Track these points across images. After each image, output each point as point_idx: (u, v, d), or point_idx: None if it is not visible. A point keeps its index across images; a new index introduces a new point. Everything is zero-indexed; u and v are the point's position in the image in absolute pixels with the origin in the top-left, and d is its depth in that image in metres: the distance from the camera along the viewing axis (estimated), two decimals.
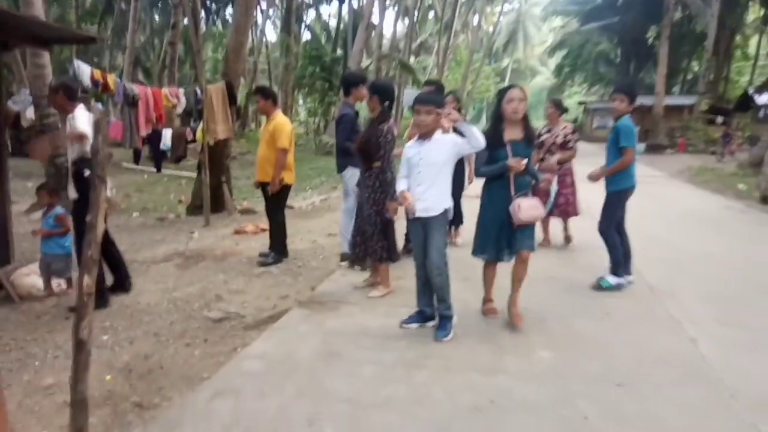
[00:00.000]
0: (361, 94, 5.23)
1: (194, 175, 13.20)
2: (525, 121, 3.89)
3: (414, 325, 3.93)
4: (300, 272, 5.60)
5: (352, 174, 5.22)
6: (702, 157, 21.35)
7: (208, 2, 27.54)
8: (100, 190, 2.55)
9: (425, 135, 3.79)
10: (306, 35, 34.98)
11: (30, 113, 14.38)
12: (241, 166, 16.68)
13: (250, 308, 4.56)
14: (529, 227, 3.91)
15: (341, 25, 32.73)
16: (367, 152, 4.50)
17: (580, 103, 43.60)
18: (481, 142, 3.56)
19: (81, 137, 4.22)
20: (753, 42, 36.85)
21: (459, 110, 5.88)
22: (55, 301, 4.83)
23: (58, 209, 5.03)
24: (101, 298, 4.61)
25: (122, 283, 5.00)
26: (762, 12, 33.86)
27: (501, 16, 46.21)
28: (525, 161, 3.75)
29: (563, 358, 3.43)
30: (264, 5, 31.67)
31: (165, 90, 7.41)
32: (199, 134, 8.19)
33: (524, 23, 55.18)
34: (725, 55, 34.12)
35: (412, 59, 37.60)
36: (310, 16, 40.03)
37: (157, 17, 34.90)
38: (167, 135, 12.02)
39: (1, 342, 3.99)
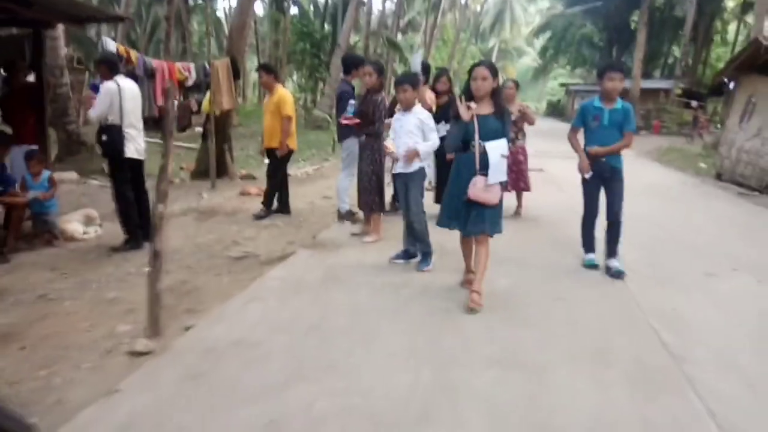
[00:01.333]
0: (360, 73, 6.06)
1: (191, 145, 13.93)
2: (495, 97, 3.99)
3: (401, 261, 4.87)
4: (301, 225, 6.51)
5: (353, 142, 6.06)
6: (674, 139, 22.47)
7: None
8: (170, 143, 3.42)
9: (407, 107, 4.73)
10: (293, 10, 35.35)
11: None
12: (234, 138, 17.38)
13: (263, 250, 5.46)
14: (489, 209, 3.91)
15: (329, 1, 33.12)
16: (367, 118, 5.41)
17: (562, 85, 44.42)
18: (434, 144, 4.71)
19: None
20: (732, 28, 37.90)
21: (450, 89, 6.69)
22: (96, 243, 5.69)
23: (47, 173, 5.75)
24: (135, 240, 5.49)
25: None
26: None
27: None
28: (472, 105, 3.90)
29: (518, 284, 4.42)
30: None
31: (178, 64, 8.18)
32: (205, 105, 8.94)
33: (511, 4, 55.58)
34: (704, 40, 35.21)
35: (399, 37, 38.12)
36: None
37: None
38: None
39: (61, 271, 4.85)
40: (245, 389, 2.76)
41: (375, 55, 28.33)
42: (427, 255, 4.74)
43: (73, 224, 5.80)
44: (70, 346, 3.35)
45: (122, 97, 5.04)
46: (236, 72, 8.95)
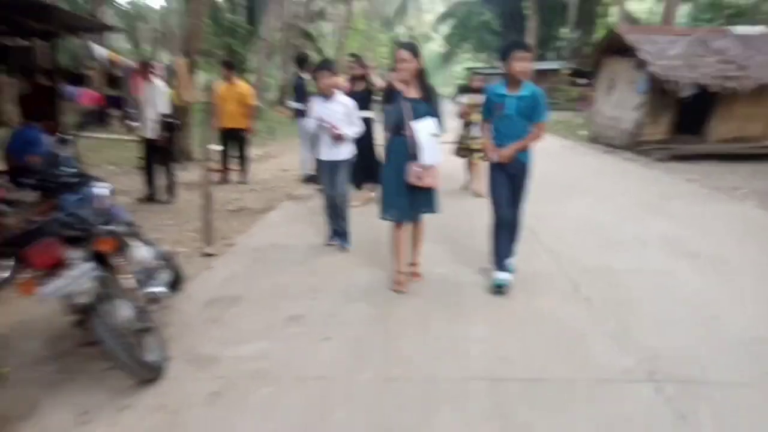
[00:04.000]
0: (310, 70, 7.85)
1: (133, 138, 15.09)
2: (420, 80, 3.93)
3: (336, 242, 5.29)
4: (275, 189, 8.34)
5: (306, 122, 7.83)
6: (563, 113, 25.80)
7: None
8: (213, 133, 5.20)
9: (328, 94, 4.81)
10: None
11: None
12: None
13: (252, 205, 7.27)
14: (429, 190, 4.05)
15: None
16: None
17: (468, 69, 47.48)
18: (359, 131, 4.98)
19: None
20: (616, 11, 42.36)
21: (365, 74, 6.95)
22: None
23: None
24: (173, 194, 7.24)
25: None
26: None
27: None
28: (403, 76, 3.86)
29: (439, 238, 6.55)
30: None
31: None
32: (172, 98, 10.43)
33: None
34: (588, 24, 39.39)
35: (310, 26, 39.65)
36: None
37: None
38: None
39: None
40: (290, 262, 4.73)
41: (291, 45, 29.86)
42: (346, 233, 5.25)
43: None
44: None
45: None
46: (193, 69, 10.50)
